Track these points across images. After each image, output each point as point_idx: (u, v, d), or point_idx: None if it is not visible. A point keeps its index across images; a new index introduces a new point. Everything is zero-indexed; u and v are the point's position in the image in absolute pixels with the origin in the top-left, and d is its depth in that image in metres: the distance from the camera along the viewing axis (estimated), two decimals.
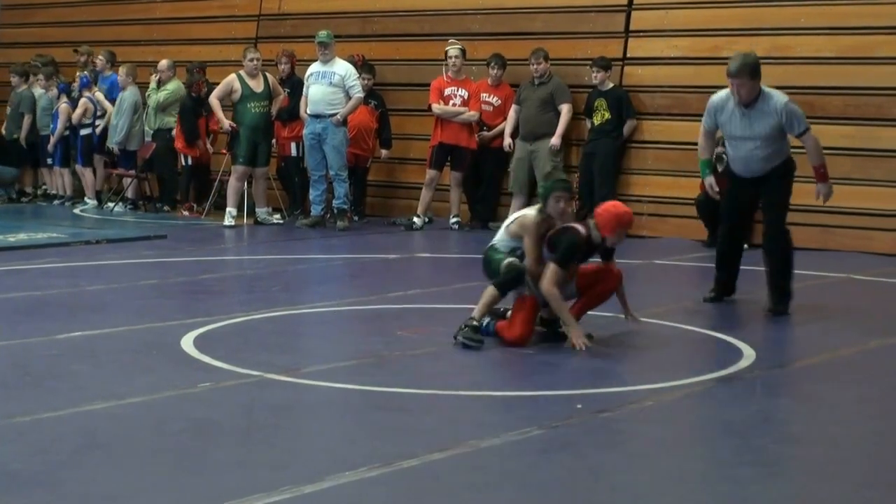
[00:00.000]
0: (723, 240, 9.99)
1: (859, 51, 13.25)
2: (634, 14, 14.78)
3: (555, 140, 14.48)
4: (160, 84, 16.37)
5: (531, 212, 8.45)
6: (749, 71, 9.24)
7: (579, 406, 6.68)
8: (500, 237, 8.52)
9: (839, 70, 13.32)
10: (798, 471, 5.84)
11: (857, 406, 7.03)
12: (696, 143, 13.75)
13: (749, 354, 7.99)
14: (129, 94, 16.46)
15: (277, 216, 15.31)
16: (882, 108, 12.92)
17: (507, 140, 14.78)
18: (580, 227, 8.25)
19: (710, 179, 9.74)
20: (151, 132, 16.40)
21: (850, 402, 7.10)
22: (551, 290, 8.08)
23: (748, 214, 10.04)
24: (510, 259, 8.27)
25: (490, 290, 8.28)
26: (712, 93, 14.06)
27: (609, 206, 8.35)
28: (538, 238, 8.27)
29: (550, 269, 8.10)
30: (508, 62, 14.94)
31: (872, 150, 12.95)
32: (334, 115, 14.39)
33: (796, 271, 9.69)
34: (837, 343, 8.46)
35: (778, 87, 13.48)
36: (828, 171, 9.51)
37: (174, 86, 16.31)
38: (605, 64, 14.35)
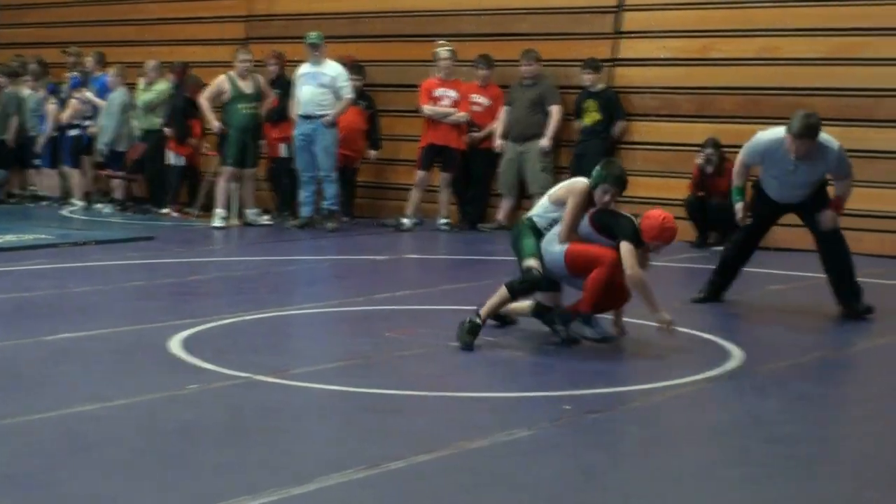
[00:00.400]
0: (735, 246, 9.96)
1: (847, 51, 13.26)
2: (625, 15, 14.78)
3: (545, 141, 14.48)
4: (148, 85, 16.34)
5: (581, 179, 8.31)
6: (813, 134, 9.12)
7: (568, 407, 6.67)
8: (542, 206, 8.38)
9: (827, 71, 13.33)
10: (788, 471, 5.83)
11: (847, 407, 7.03)
12: (685, 144, 13.90)
13: (737, 355, 7.99)
14: (117, 95, 16.43)
15: (266, 217, 15.29)
16: (870, 108, 12.93)
17: (498, 141, 14.78)
18: (625, 215, 8.17)
19: (740, 205, 9.63)
20: (141, 133, 16.36)
21: (839, 403, 7.11)
22: (638, 272, 7.92)
23: (768, 229, 9.99)
24: (531, 264, 8.16)
25: (502, 292, 8.19)
26: (702, 93, 14.26)
27: (658, 215, 8.14)
28: (581, 206, 8.10)
29: (627, 250, 7.91)
30: (498, 63, 14.94)
31: (861, 151, 12.92)
32: (325, 116, 14.38)
33: (786, 272, 9.71)
34: (826, 343, 8.47)
35: (766, 88, 13.67)
36: (844, 207, 9.54)
37: (162, 86, 16.28)
38: (595, 65, 14.35)
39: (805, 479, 5.67)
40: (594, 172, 8.22)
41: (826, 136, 9.25)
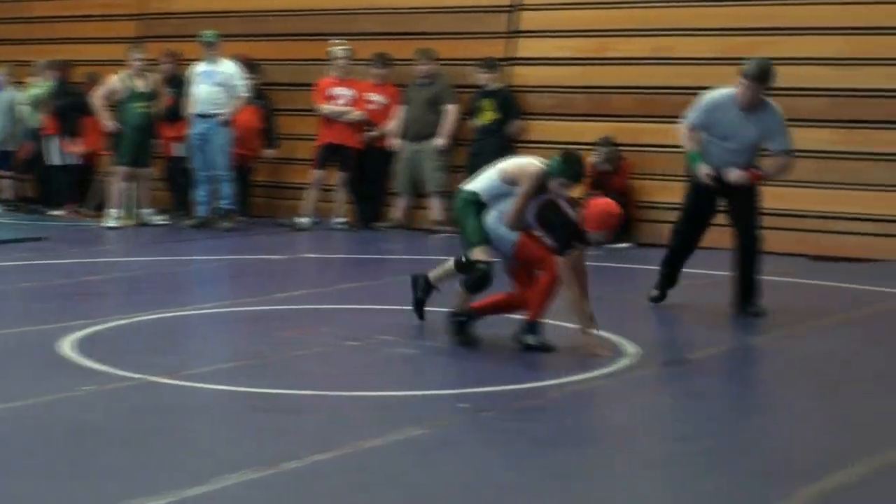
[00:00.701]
0: (679, 237, 9.87)
1: (740, 51, 13.38)
2: (520, 14, 14.85)
3: (441, 140, 14.51)
4: (36, 83, 16.11)
5: (535, 161, 8.20)
6: (767, 78, 9.21)
7: (462, 406, 6.68)
8: (489, 179, 8.22)
9: (721, 70, 13.43)
10: (681, 467, 5.90)
11: (739, 401, 7.13)
12: (581, 143, 13.96)
13: (633, 352, 8.06)
14: (6, 95, 16.18)
15: (162, 217, 15.14)
16: None
17: (394, 140, 14.78)
18: (571, 212, 8.04)
19: (702, 166, 9.45)
20: (29, 132, 16.12)
21: (732, 398, 7.20)
22: (572, 293, 7.93)
23: (708, 217, 9.76)
24: (480, 260, 8.04)
25: (450, 266, 8.36)
26: (598, 92, 14.37)
27: (601, 203, 8.08)
28: (533, 191, 7.97)
29: (564, 267, 7.88)
30: (394, 62, 14.94)
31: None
32: (220, 114, 14.27)
33: (684, 270, 9.81)
34: (721, 340, 8.56)
35: (661, 88, 13.81)
36: (762, 179, 9.52)
37: (48, 85, 16.04)
38: (490, 64, 14.40)
39: (698, 474, 5.74)
40: (553, 162, 8.11)
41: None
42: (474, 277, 8.10)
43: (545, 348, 8.03)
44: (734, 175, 9.30)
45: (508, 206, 8.02)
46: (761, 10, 13.42)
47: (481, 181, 8.26)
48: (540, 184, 7.99)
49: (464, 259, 8.15)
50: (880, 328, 9.28)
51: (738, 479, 5.59)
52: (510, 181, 8.09)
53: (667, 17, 13.93)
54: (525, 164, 8.22)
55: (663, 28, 13.91)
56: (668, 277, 9.90)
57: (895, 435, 6.41)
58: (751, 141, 9.36)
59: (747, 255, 9.47)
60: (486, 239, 8.07)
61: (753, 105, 9.26)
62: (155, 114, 14.87)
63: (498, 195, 8.11)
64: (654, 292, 9.87)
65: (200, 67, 14.49)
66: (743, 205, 9.49)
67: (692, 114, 9.54)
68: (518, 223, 8.02)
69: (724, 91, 9.44)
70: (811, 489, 5.38)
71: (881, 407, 7.04)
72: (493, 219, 8.10)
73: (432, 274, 8.66)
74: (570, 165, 8.07)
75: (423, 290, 8.76)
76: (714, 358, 8.01)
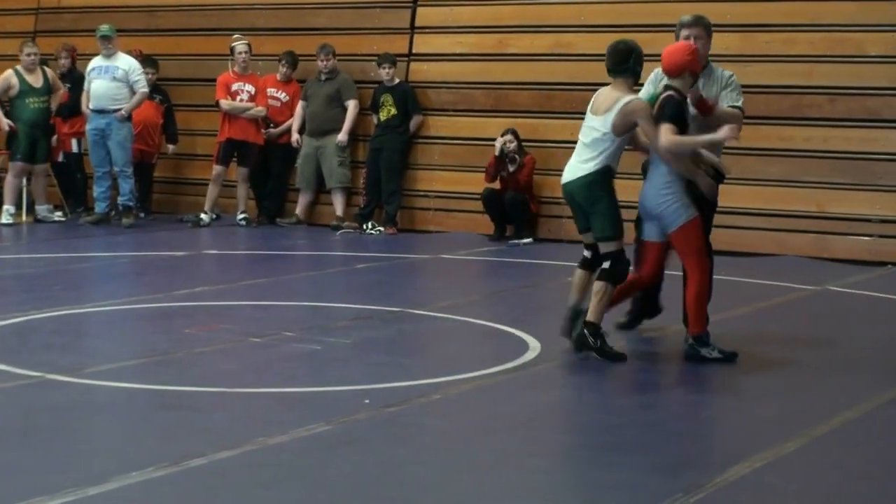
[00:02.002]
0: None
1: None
2: (420, 10, 14.88)
3: (341, 136, 14.51)
4: None
5: (622, 93, 7.82)
6: (706, 24, 8.57)
7: (367, 401, 6.70)
8: (605, 144, 7.78)
9: None
10: (580, 459, 5.98)
11: (637, 395, 7.22)
12: (481, 138, 14.05)
13: (535, 347, 8.13)
14: None
15: (59, 214, 14.96)
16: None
17: (295, 136, 14.75)
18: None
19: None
20: None
21: (632, 391, 7.29)
22: (671, 139, 7.68)
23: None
24: (622, 253, 7.80)
25: (602, 287, 7.75)
26: (497, 88, 14.45)
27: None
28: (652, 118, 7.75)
29: (663, 128, 7.68)
30: (297, 59, 14.91)
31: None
32: (118, 110, 14.14)
33: None
34: (623, 335, 8.63)
35: (559, 83, 13.92)
36: (709, 109, 8.48)
37: None
38: (391, 60, 14.41)
39: (601, 467, 5.82)
40: (645, 94, 8.04)
41: None
42: (623, 272, 7.87)
43: (728, 357, 7.83)
44: (695, 96, 8.25)
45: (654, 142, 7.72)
46: (659, 7, 13.55)
47: (594, 153, 7.81)
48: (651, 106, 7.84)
49: (607, 265, 7.79)
50: (781, 322, 9.44)
51: (640, 472, 5.66)
52: (626, 126, 7.78)
53: (566, 14, 14.03)
54: (622, 101, 7.80)
55: (562, 24, 14.02)
56: (638, 298, 8.90)
57: (793, 427, 6.54)
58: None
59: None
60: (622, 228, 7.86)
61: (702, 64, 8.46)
62: (51, 109, 14.67)
63: (619, 151, 7.86)
64: (624, 318, 8.86)
65: (96, 62, 14.33)
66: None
67: (647, 84, 8.80)
68: (667, 156, 7.76)
69: None
70: (713, 481, 5.48)
71: (781, 400, 7.17)
72: (661, 188, 7.82)
73: (591, 314, 7.82)
74: (637, 63, 7.98)
75: (580, 331, 7.90)
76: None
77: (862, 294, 10.66)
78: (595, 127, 7.81)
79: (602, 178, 7.80)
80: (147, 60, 15.11)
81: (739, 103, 8.45)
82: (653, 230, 7.99)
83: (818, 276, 11.24)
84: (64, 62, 15.34)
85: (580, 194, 7.83)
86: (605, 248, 7.83)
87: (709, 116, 8.18)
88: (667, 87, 7.90)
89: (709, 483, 5.44)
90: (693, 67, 7.94)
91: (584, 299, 7.93)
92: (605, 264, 7.81)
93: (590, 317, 7.75)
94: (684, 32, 8.47)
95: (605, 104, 7.81)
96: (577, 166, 7.87)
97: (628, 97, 7.79)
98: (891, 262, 12.27)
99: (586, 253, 8.02)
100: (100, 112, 14.17)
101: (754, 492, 5.47)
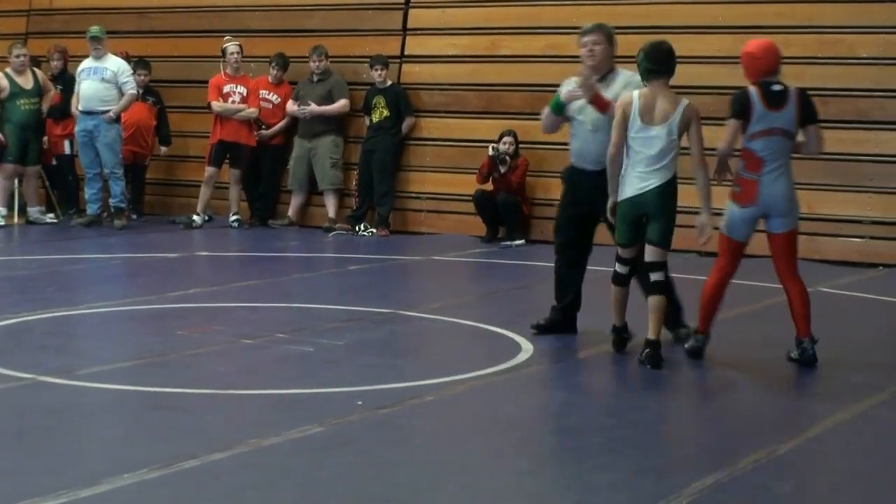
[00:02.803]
0: (558, 258, 8.69)
1: (630, 49, 13.56)
2: (412, 12, 14.89)
3: (322, 109, 14.48)
4: None
5: (685, 99, 7.80)
6: (607, 32, 8.53)
7: (360, 402, 6.71)
8: (668, 147, 7.75)
9: None
10: (570, 461, 5.98)
11: (629, 396, 7.23)
12: (473, 140, 14.06)
13: (527, 348, 8.14)
14: None
15: (51, 215, 14.95)
16: None
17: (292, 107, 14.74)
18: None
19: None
20: None
21: (622, 393, 7.30)
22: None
23: (589, 224, 8.56)
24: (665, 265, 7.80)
25: (660, 303, 7.73)
26: (490, 90, 14.46)
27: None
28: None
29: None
30: (287, 61, 14.92)
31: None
32: (107, 111, 14.13)
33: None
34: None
35: (552, 85, 13.83)
36: (605, 106, 8.26)
37: None
38: (383, 61, 14.42)
39: (592, 468, 5.83)
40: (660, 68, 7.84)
41: None
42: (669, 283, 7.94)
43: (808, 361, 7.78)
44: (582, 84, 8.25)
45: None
46: (648, 8, 13.60)
47: (664, 161, 7.75)
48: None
49: (661, 277, 7.78)
50: (772, 323, 9.44)
51: (631, 473, 5.68)
52: (685, 129, 7.81)
53: (558, 15, 14.05)
54: (682, 104, 7.79)
55: (555, 26, 14.02)
56: (559, 309, 8.76)
57: (786, 428, 6.56)
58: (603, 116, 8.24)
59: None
60: None
61: (605, 70, 8.44)
62: (42, 111, 14.66)
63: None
64: (540, 321, 8.67)
65: (86, 64, 14.32)
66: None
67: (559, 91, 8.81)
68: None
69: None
70: (705, 482, 5.49)
71: (773, 401, 7.20)
72: (792, 187, 7.86)
73: (657, 332, 7.75)
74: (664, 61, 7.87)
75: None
76: (608, 354, 8.09)
77: (853, 295, 10.68)
78: (659, 136, 7.73)
79: (675, 184, 7.85)
80: (140, 62, 15.11)
81: None
82: (750, 230, 8.00)
83: (809, 278, 11.15)
84: (55, 64, 15.34)
85: (655, 202, 7.74)
86: (659, 256, 7.80)
87: (606, 113, 8.14)
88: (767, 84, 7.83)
89: (700, 484, 5.45)
90: (768, 66, 7.91)
91: (625, 314, 8.01)
92: (658, 276, 7.76)
93: (657, 335, 7.69)
94: (585, 39, 8.50)
95: (664, 110, 7.73)
96: (648, 176, 7.74)
97: (684, 100, 7.84)
98: (882, 263, 12.30)
99: (621, 269, 7.94)
100: (88, 113, 14.16)
101: (747, 493, 5.48)
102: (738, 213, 7.89)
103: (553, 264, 8.73)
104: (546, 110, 8.76)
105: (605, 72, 8.45)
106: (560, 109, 8.61)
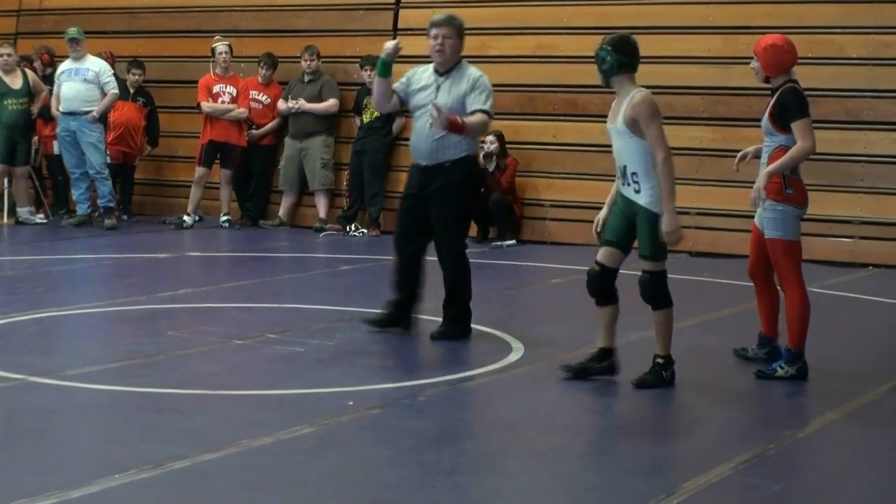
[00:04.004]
0: (397, 251, 8.65)
1: None
2: (402, 12, 14.89)
3: (313, 106, 14.46)
4: None
5: (643, 92, 7.28)
6: (457, 25, 8.42)
7: (350, 403, 6.71)
8: (646, 157, 7.16)
9: None
10: (566, 460, 5.99)
11: (620, 396, 7.23)
12: None
13: (518, 348, 8.14)
14: None
15: (41, 216, 14.93)
16: None
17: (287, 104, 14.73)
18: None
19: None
20: None
21: (612, 393, 7.30)
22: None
23: (422, 216, 8.48)
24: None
25: (664, 317, 7.30)
26: None
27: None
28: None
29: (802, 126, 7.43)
30: (276, 60, 14.91)
31: None
32: (90, 112, 14.11)
33: (565, 266, 9.86)
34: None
35: (542, 85, 13.94)
36: (460, 128, 8.19)
37: None
38: (373, 62, 14.38)
39: (584, 468, 5.85)
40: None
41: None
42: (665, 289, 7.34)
43: (796, 377, 7.54)
44: (441, 118, 8.06)
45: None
46: (640, 8, 13.62)
47: (621, 164, 7.28)
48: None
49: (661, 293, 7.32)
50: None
51: (623, 474, 5.69)
52: (633, 118, 7.23)
53: (549, 16, 14.06)
54: (626, 95, 7.32)
55: (545, 26, 14.04)
56: (395, 303, 8.65)
57: (776, 428, 6.57)
58: (449, 104, 8.26)
59: (450, 272, 8.56)
60: None
61: (452, 64, 8.41)
62: (30, 111, 14.63)
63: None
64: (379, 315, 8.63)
65: (66, 65, 14.32)
66: (442, 215, 8.44)
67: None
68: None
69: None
70: (696, 482, 5.50)
71: (763, 401, 7.21)
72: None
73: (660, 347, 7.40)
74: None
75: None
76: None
77: (843, 296, 10.69)
78: (612, 134, 7.42)
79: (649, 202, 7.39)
80: (134, 62, 15.12)
81: (486, 106, 8.34)
82: None
83: None
84: (37, 64, 15.30)
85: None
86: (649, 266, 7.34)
87: (462, 134, 8.19)
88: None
89: (692, 484, 5.46)
90: (793, 62, 7.76)
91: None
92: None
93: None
94: (433, 31, 8.44)
95: (618, 105, 7.41)
96: (620, 182, 7.42)
97: (636, 92, 7.35)
98: (872, 263, 12.33)
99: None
100: (70, 114, 14.15)
101: (737, 493, 5.49)
102: (797, 215, 7.66)
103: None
104: (376, 80, 8.75)
105: (452, 65, 8.46)
106: (385, 70, 8.58)
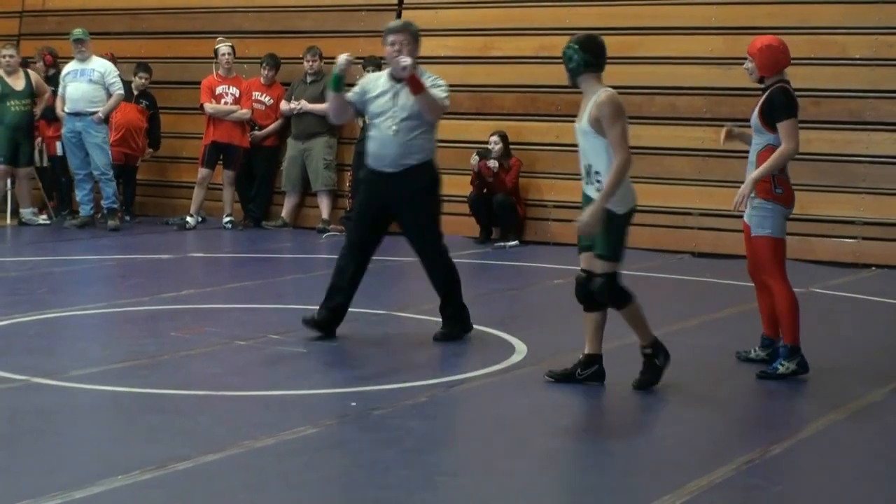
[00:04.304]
0: (340, 262, 8.58)
1: (623, 50, 13.58)
2: (405, 13, 14.89)
3: (311, 105, 14.46)
4: None
5: (603, 91, 7.17)
6: (413, 31, 8.36)
7: (353, 404, 6.71)
8: (594, 150, 7.13)
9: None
10: (569, 461, 5.99)
11: (622, 397, 7.23)
12: (465, 141, 14.06)
13: (521, 349, 8.14)
14: None
15: (44, 217, 14.94)
16: (642, 106, 13.27)
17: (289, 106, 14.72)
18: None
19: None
20: None
21: (616, 395, 7.30)
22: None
23: (381, 226, 8.57)
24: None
25: (631, 312, 7.20)
26: (482, 91, 14.47)
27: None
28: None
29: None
30: (279, 61, 14.92)
31: (634, 147, 13.30)
32: (95, 112, 14.12)
33: (567, 267, 9.85)
34: (610, 337, 8.65)
35: (544, 86, 13.94)
36: (420, 87, 8.21)
37: None
38: (376, 63, 14.41)
39: (587, 469, 5.85)
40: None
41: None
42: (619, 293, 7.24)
43: (798, 371, 7.57)
44: (401, 65, 8.11)
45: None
46: (641, 9, 13.62)
47: (585, 163, 7.24)
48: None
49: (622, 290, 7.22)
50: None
51: (626, 474, 5.69)
52: (597, 117, 7.19)
53: (551, 16, 14.07)
54: (593, 93, 7.27)
55: (548, 27, 14.04)
56: (332, 308, 8.50)
57: (779, 429, 6.57)
58: (406, 109, 8.29)
59: (436, 273, 8.58)
60: None
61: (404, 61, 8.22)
62: (33, 112, 14.64)
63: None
64: (312, 315, 8.46)
65: (71, 66, 14.32)
66: (416, 223, 8.54)
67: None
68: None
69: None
70: (699, 483, 5.50)
71: (766, 402, 7.21)
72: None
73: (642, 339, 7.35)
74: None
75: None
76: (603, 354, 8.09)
77: (846, 296, 10.69)
78: (578, 133, 7.42)
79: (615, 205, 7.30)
80: (140, 65, 15.13)
81: (444, 96, 8.37)
82: None
83: (802, 279, 11.24)
84: (39, 65, 15.31)
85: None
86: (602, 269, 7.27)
87: (419, 95, 8.16)
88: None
89: (694, 485, 5.46)
90: (787, 62, 7.78)
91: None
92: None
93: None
94: (390, 38, 8.34)
95: (585, 105, 7.37)
96: (585, 184, 7.46)
97: (601, 91, 7.27)
98: (874, 264, 12.32)
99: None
100: (76, 115, 14.15)
101: (740, 493, 5.49)
102: (784, 214, 7.66)
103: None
104: (330, 95, 8.56)
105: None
106: (338, 85, 8.41)
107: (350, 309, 8.80)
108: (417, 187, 8.41)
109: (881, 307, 10.35)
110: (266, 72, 14.88)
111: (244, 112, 14.68)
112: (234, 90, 14.70)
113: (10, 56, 14.56)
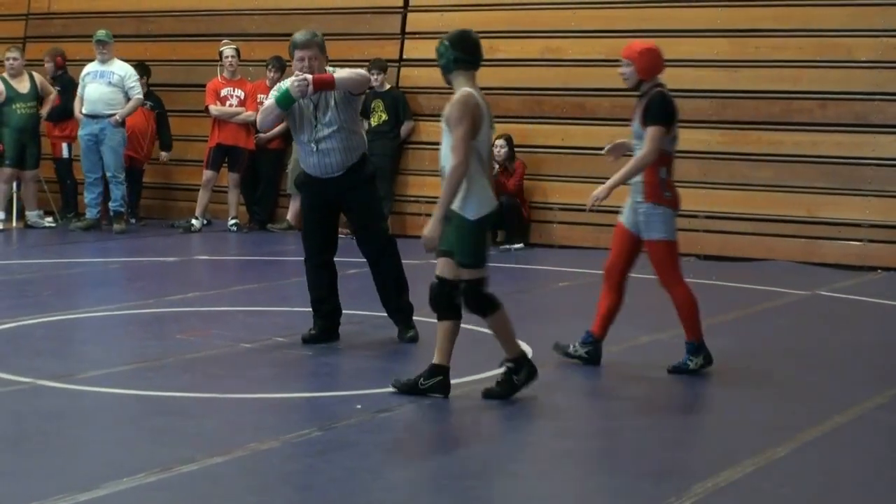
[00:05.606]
0: (311, 274, 8.51)
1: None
2: (410, 16, 14.91)
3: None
4: None
5: (461, 92, 7.00)
6: (319, 43, 8.34)
7: (359, 406, 6.71)
8: (445, 149, 6.94)
9: (608, 72, 13.57)
10: (576, 464, 5.99)
11: (629, 400, 7.23)
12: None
13: (526, 351, 8.11)
14: None
15: (50, 219, 14.95)
16: None
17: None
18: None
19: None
20: None
21: (622, 397, 7.30)
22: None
23: (332, 225, 8.55)
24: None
25: (498, 321, 7.02)
26: (487, 93, 14.24)
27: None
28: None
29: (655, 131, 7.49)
30: (284, 64, 14.92)
31: None
32: (113, 115, 14.13)
33: (572, 270, 9.85)
34: (617, 339, 8.66)
35: (549, 89, 13.94)
36: (329, 84, 8.23)
37: None
38: (381, 66, 14.43)
39: (594, 472, 5.85)
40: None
41: None
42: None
43: (705, 364, 7.68)
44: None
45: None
46: (648, 12, 13.61)
47: (445, 167, 6.92)
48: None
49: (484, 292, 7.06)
50: (771, 327, 9.46)
51: (633, 477, 5.68)
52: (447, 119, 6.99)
53: (556, 19, 14.06)
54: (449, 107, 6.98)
55: (553, 30, 14.04)
56: (322, 325, 8.48)
57: (784, 431, 6.56)
58: (332, 115, 8.33)
59: (385, 269, 8.67)
60: None
61: (317, 72, 8.25)
62: (38, 115, 14.65)
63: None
64: (310, 332, 8.40)
65: (91, 67, 14.32)
66: (365, 208, 8.56)
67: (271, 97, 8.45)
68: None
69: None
70: (705, 486, 5.49)
71: (772, 404, 7.19)
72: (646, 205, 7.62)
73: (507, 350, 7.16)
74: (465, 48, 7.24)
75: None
76: (610, 357, 8.08)
77: (852, 299, 10.68)
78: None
79: (465, 210, 7.08)
80: (139, 67, 15.11)
81: (355, 71, 8.44)
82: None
83: (808, 281, 11.27)
84: (48, 66, 15.32)
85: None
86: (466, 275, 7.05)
87: (336, 89, 8.23)
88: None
89: (700, 487, 5.46)
90: (662, 67, 7.92)
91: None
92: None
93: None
94: (298, 54, 8.30)
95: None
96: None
97: (459, 92, 7.13)
98: (881, 266, 12.31)
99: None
100: (94, 117, 14.16)
101: (746, 496, 5.48)
102: (674, 216, 7.75)
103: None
104: (270, 103, 8.39)
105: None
106: (288, 104, 8.27)
107: (355, 312, 8.82)
108: (361, 179, 8.47)
109: (887, 310, 10.34)
110: (271, 74, 14.86)
111: (249, 114, 14.67)
112: (238, 92, 14.71)
113: (15, 59, 14.57)
